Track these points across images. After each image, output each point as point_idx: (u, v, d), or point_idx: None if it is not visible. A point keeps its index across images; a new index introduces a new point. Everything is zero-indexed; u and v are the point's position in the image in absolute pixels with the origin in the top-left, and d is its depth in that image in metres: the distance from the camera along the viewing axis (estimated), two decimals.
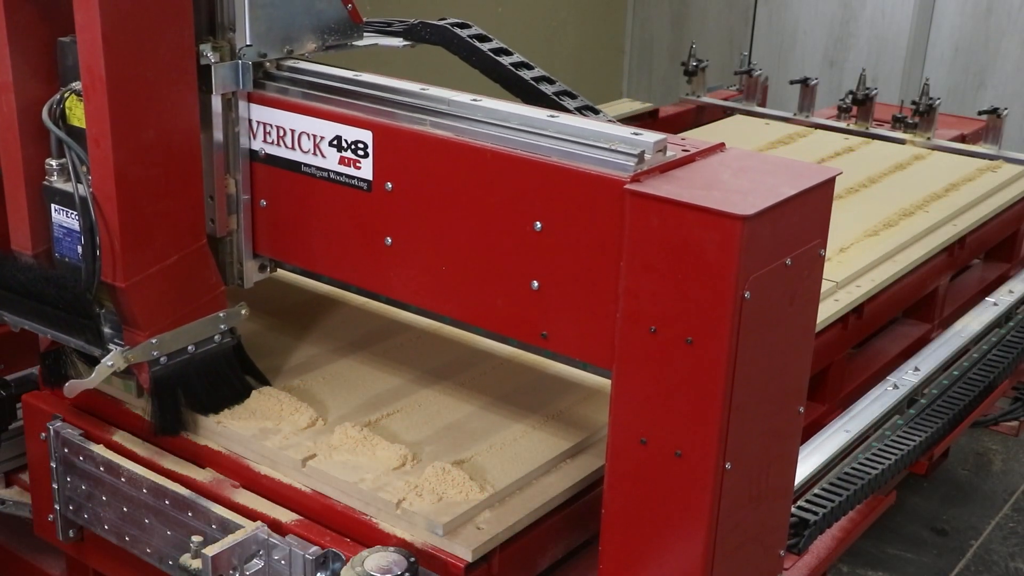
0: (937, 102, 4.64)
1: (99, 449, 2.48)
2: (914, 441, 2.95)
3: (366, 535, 2.16)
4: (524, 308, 2.11)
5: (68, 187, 2.26)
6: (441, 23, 2.71)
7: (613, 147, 1.97)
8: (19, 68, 2.28)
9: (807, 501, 2.61)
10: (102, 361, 2.26)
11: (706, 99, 5.13)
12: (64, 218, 2.31)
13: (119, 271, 2.21)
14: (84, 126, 2.21)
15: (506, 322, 2.17)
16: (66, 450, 2.52)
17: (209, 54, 2.28)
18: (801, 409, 2.12)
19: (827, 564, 2.71)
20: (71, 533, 2.61)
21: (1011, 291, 3.84)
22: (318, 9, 2.43)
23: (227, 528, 2.22)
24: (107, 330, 2.32)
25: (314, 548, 2.13)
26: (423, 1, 5.97)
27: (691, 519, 1.93)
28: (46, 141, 2.31)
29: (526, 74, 2.61)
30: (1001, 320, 3.67)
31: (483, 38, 2.69)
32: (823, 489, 2.68)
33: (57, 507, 2.58)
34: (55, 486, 2.56)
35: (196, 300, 2.34)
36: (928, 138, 4.63)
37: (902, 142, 4.63)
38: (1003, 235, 4.15)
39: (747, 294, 1.81)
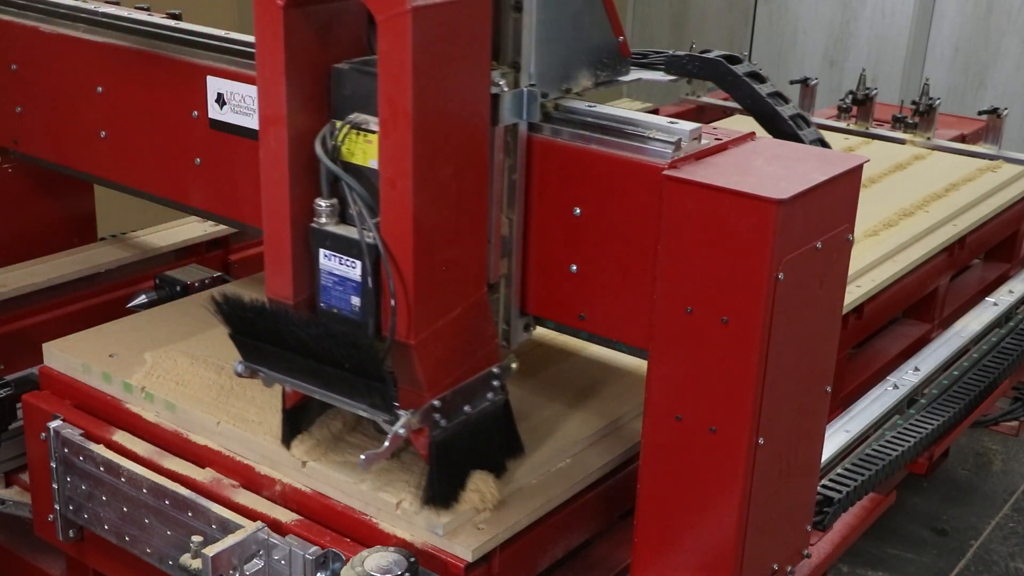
0: (937, 102, 4.64)
1: (99, 449, 2.47)
2: (930, 427, 2.99)
3: (366, 535, 2.16)
4: (563, 291, 2.19)
5: (341, 231, 2.02)
6: (711, 56, 2.46)
7: (651, 135, 2.05)
8: (293, 99, 2.00)
9: (830, 480, 2.69)
10: (393, 428, 2.01)
11: (706, 99, 5.12)
12: (336, 265, 2.04)
13: (410, 326, 1.97)
14: (363, 163, 2.00)
15: (545, 304, 2.24)
16: (66, 450, 2.52)
17: (500, 81, 2.06)
18: (828, 388, 2.20)
19: (827, 564, 2.71)
20: (71, 533, 2.61)
21: (1011, 291, 3.84)
22: (594, 43, 2.24)
23: (227, 528, 2.22)
24: None
25: (314, 548, 2.13)
26: None
27: (725, 493, 2.01)
28: (314, 179, 2.05)
29: (783, 109, 2.42)
30: (1001, 320, 3.67)
31: (759, 77, 2.44)
32: (847, 469, 2.75)
33: (57, 507, 2.58)
34: (55, 486, 2.56)
35: (474, 354, 2.12)
36: (928, 138, 4.63)
37: (902, 142, 4.63)
38: (1003, 235, 4.15)
39: (781, 275, 1.89)
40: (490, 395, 2.15)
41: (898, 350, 3.60)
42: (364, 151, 2.00)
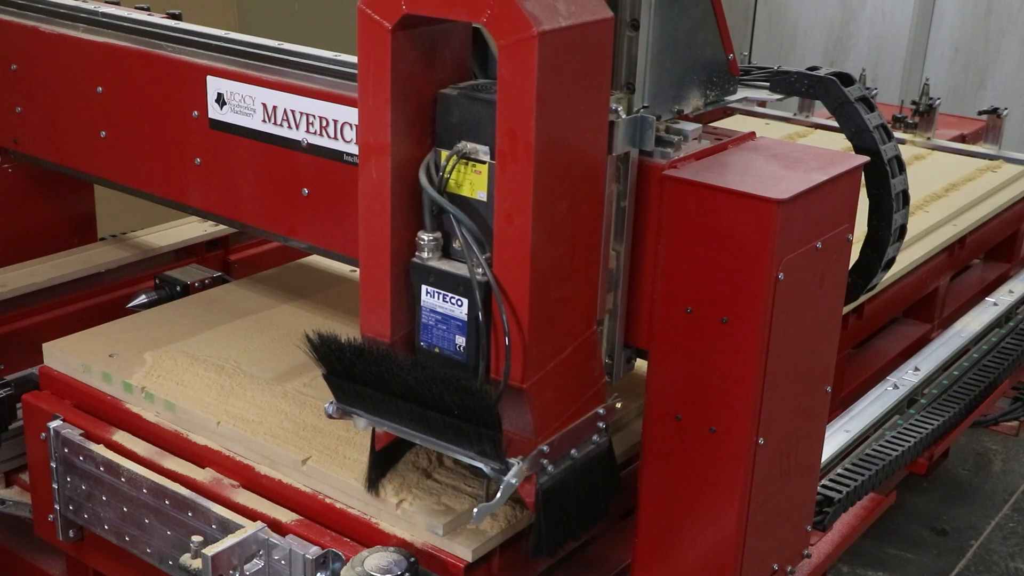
0: (937, 102, 4.64)
1: (99, 449, 2.47)
2: (930, 427, 2.99)
3: (366, 535, 2.16)
4: None
5: (446, 266, 1.92)
6: (821, 75, 2.34)
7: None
8: (397, 126, 1.89)
9: (830, 480, 2.69)
10: (506, 478, 1.90)
11: None
12: (439, 303, 1.94)
13: (524, 370, 1.87)
14: (471, 195, 1.90)
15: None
16: (66, 450, 2.52)
17: (618, 108, 1.95)
18: (828, 388, 2.20)
19: (827, 564, 2.71)
20: (71, 533, 2.61)
21: (1011, 291, 3.83)
22: (706, 62, 2.15)
23: (227, 528, 2.22)
24: None
25: (314, 548, 2.13)
26: None
27: (725, 493, 2.02)
28: (415, 211, 1.95)
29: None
30: (1001, 320, 3.67)
31: (869, 104, 2.32)
32: (847, 469, 2.75)
33: (57, 507, 2.58)
34: (55, 486, 2.56)
35: (582, 396, 2.02)
36: (928, 138, 4.63)
37: (902, 142, 4.63)
38: (1003, 235, 4.15)
39: (781, 275, 1.89)
40: (596, 437, 2.06)
41: (898, 350, 3.60)
42: (472, 182, 1.90)
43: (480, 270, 1.86)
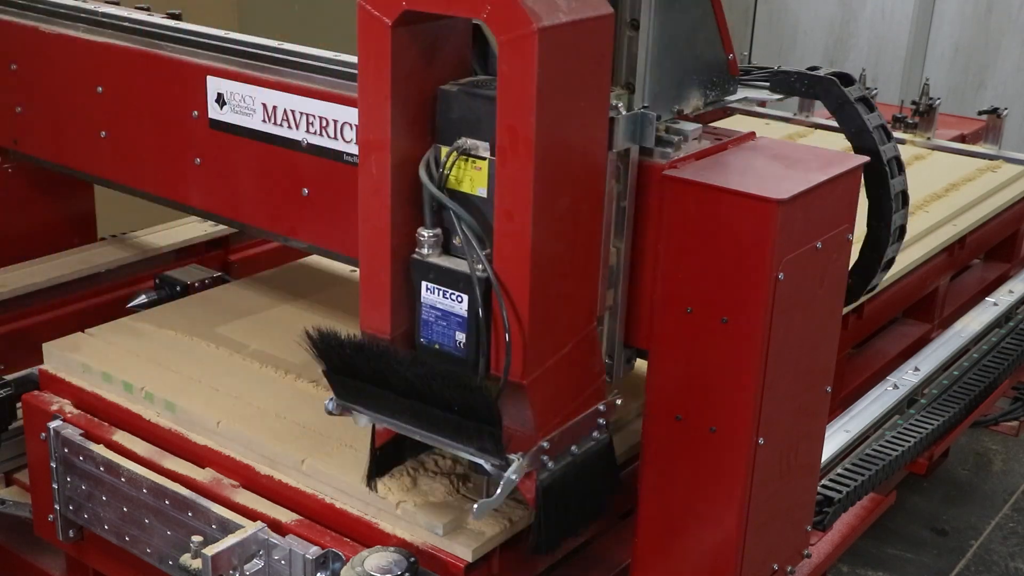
0: (937, 102, 4.64)
1: (99, 449, 2.47)
2: (930, 427, 2.99)
3: (366, 535, 2.16)
4: None
5: (446, 263, 1.92)
6: (821, 75, 2.35)
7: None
8: (397, 123, 1.90)
9: (830, 480, 2.69)
10: (506, 474, 1.91)
11: None
12: (439, 299, 1.94)
13: (524, 366, 1.88)
14: (471, 192, 1.91)
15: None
16: (66, 450, 2.52)
17: (618, 104, 1.96)
18: (828, 388, 2.21)
19: (827, 564, 2.71)
20: (71, 533, 2.61)
21: (1011, 291, 3.83)
22: (706, 61, 2.17)
23: (227, 528, 2.22)
24: None
25: (314, 548, 2.13)
26: None
27: (725, 492, 2.02)
28: (415, 207, 1.95)
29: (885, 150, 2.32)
30: (1001, 320, 3.67)
31: (869, 104, 2.33)
32: (847, 469, 2.75)
33: (57, 507, 2.58)
34: (55, 486, 2.56)
35: (582, 392, 2.03)
36: (928, 138, 4.63)
37: (902, 142, 4.62)
38: (1003, 235, 4.15)
39: (780, 275, 1.89)
40: (596, 433, 2.06)
41: (898, 350, 3.60)
42: (472, 179, 1.90)
43: (480, 266, 1.87)
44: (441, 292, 1.93)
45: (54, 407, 2.60)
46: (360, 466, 2.23)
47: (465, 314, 1.91)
